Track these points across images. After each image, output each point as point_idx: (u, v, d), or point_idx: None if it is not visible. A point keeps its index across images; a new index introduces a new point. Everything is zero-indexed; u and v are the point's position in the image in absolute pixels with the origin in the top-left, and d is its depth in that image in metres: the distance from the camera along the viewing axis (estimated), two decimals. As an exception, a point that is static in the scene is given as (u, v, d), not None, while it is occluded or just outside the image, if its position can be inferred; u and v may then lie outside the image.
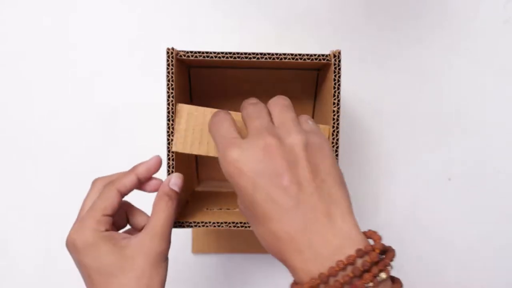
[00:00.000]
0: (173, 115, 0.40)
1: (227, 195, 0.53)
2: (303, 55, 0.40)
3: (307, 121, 0.35)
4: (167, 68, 0.39)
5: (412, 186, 0.60)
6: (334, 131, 0.40)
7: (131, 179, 0.40)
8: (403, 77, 0.59)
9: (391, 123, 0.60)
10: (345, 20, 0.59)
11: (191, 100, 0.53)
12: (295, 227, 0.30)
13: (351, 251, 0.29)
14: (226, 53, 0.40)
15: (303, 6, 0.58)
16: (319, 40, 0.59)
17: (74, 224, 0.38)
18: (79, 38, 0.58)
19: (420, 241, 0.61)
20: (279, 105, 0.35)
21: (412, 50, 0.59)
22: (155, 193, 0.41)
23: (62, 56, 0.58)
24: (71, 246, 0.37)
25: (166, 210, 0.38)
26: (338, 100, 0.40)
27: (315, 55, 0.40)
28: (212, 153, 0.41)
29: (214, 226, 0.40)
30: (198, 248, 0.59)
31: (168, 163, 0.40)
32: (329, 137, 0.41)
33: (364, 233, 0.31)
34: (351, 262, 0.29)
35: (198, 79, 0.52)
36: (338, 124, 0.40)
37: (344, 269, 0.29)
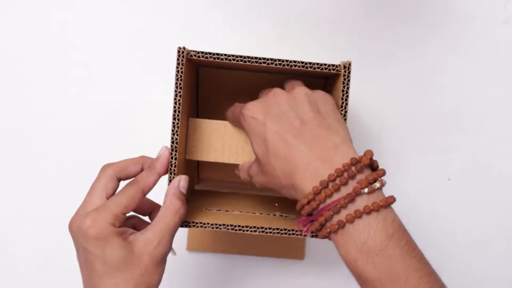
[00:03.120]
0: (179, 114, 0.39)
1: (227, 196, 0.53)
2: (313, 63, 0.40)
3: None
4: (177, 67, 0.39)
5: (412, 186, 0.60)
6: None
7: (154, 179, 0.40)
8: (403, 77, 0.59)
9: (391, 123, 0.59)
10: (345, 20, 0.58)
11: (197, 99, 0.53)
12: (301, 150, 0.35)
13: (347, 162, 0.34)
14: (236, 56, 0.39)
15: (303, 6, 0.58)
16: (319, 40, 0.59)
17: (92, 212, 0.37)
18: (79, 38, 0.58)
19: (420, 241, 0.61)
20: (293, 80, 0.42)
21: (412, 50, 0.59)
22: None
23: (62, 56, 0.58)
24: (83, 233, 0.37)
25: (178, 215, 0.39)
26: (345, 112, 0.39)
27: (325, 64, 0.40)
28: (219, 159, 0.45)
29: (212, 228, 0.40)
30: (193, 246, 0.59)
31: (171, 162, 0.40)
32: None
33: None
34: (346, 168, 0.34)
35: (205, 78, 0.52)
36: None
37: (341, 175, 0.34)
